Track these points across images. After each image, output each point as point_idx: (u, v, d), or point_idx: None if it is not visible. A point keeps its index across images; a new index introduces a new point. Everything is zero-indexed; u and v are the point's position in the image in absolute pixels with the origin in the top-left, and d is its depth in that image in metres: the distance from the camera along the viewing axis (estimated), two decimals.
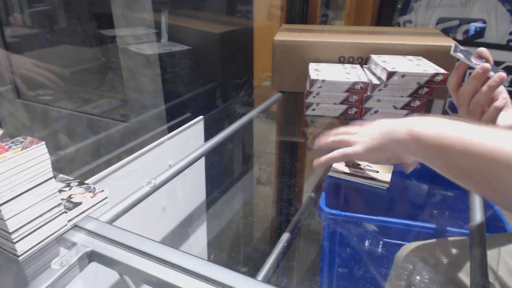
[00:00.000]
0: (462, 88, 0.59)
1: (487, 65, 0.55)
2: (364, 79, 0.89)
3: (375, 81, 0.88)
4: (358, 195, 0.85)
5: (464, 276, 0.57)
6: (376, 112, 0.92)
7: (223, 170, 1.24)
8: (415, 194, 0.93)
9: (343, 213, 0.72)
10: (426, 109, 0.92)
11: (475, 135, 0.40)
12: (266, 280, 0.84)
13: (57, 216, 0.42)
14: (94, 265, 0.42)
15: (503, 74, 0.55)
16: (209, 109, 1.32)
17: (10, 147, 0.37)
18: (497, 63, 1.70)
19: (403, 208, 0.91)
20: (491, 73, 0.55)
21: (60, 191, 0.47)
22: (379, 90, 0.88)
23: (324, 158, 0.64)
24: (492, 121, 0.57)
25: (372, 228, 0.71)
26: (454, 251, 0.62)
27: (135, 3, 1.14)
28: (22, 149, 0.37)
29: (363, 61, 1.02)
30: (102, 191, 0.48)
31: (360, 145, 0.57)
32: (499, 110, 0.57)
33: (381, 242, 0.72)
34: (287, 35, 1.05)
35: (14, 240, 0.38)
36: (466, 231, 0.64)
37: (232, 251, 1.22)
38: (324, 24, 1.96)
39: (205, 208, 1.04)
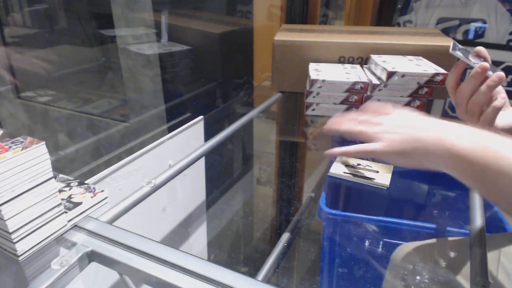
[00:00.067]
0: (460, 88, 0.58)
1: (486, 64, 0.54)
2: (364, 79, 0.89)
3: (375, 81, 0.88)
4: (358, 195, 0.85)
5: (462, 276, 0.57)
6: None
7: (223, 170, 1.24)
8: (415, 194, 0.93)
9: (343, 213, 0.72)
10: (426, 109, 0.92)
11: None
12: (266, 280, 0.84)
13: (57, 216, 0.42)
14: (94, 265, 0.42)
15: (501, 73, 0.54)
16: (209, 109, 1.32)
17: (10, 147, 0.37)
18: (497, 63, 1.70)
19: (403, 208, 0.91)
20: (490, 73, 0.55)
21: (60, 191, 0.47)
22: (379, 90, 0.88)
23: (339, 150, 0.55)
24: (491, 121, 0.57)
25: (372, 228, 0.71)
26: (450, 251, 0.62)
27: (135, 3, 1.14)
28: (22, 149, 0.37)
29: (363, 61, 1.02)
30: (102, 191, 0.48)
31: (384, 143, 0.49)
32: (498, 110, 0.56)
33: (381, 242, 0.72)
34: (287, 35, 1.05)
35: (14, 240, 0.38)
36: (466, 231, 0.65)
37: (232, 251, 1.22)
38: (324, 24, 1.96)
39: (205, 208, 1.04)
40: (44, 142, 0.38)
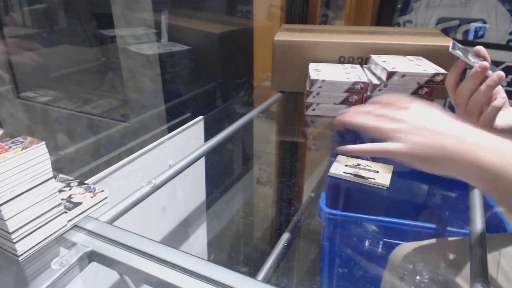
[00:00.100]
0: (460, 87, 0.58)
1: (486, 64, 0.54)
2: (364, 79, 0.89)
3: (375, 81, 0.88)
4: (358, 195, 0.85)
5: (460, 276, 0.57)
6: None
7: (223, 170, 1.24)
8: (415, 194, 0.93)
9: (343, 213, 0.72)
10: None
11: None
12: (266, 280, 0.84)
13: (57, 216, 0.42)
14: (94, 265, 0.42)
15: (501, 73, 0.54)
16: (209, 109, 1.32)
17: (10, 147, 0.37)
18: (497, 63, 1.70)
19: (403, 208, 0.91)
20: (489, 72, 0.55)
21: (60, 191, 0.47)
22: (379, 90, 0.88)
23: (356, 148, 0.50)
24: (491, 121, 0.56)
25: (372, 228, 0.71)
26: (448, 251, 0.62)
27: (135, 3, 1.14)
28: (22, 149, 0.37)
29: (363, 61, 1.02)
30: (102, 191, 0.48)
31: (404, 146, 0.44)
32: (498, 109, 0.56)
33: (381, 242, 0.72)
34: (287, 35, 1.05)
35: (14, 240, 0.38)
36: (466, 231, 0.64)
37: (232, 251, 1.22)
38: (324, 24, 1.96)
39: (205, 208, 1.04)
40: (44, 142, 0.38)
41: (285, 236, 0.92)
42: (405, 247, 0.66)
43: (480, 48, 0.57)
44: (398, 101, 0.49)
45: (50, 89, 1.37)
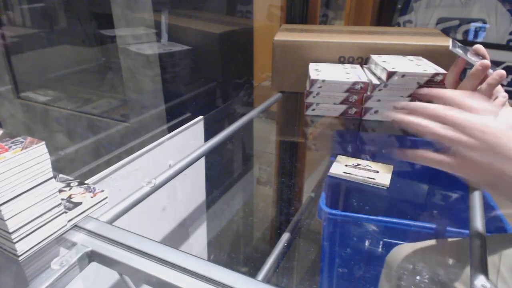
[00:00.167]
0: (460, 86, 0.57)
1: (487, 62, 0.53)
2: (364, 79, 0.89)
3: (375, 81, 0.88)
4: (358, 195, 0.85)
5: (457, 277, 0.57)
6: (376, 112, 0.92)
7: (223, 170, 1.24)
8: (415, 194, 0.93)
9: (343, 213, 0.72)
10: None
11: None
12: (266, 280, 0.84)
13: (57, 216, 0.42)
14: (94, 265, 0.42)
15: (503, 71, 0.53)
16: (209, 109, 1.32)
17: (10, 147, 0.37)
18: (497, 63, 1.70)
19: (403, 208, 0.91)
20: (490, 71, 0.54)
21: (60, 191, 0.47)
22: (379, 90, 0.88)
23: (429, 156, 0.43)
24: None
25: (372, 228, 0.71)
26: (445, 253, 0.62)
27: (135, 3, 1.14)
28: (22, 149, 0.37)
29: (363, 61, 1.02)
30: (102, 191, 0.48)
31: (474, 172, 0.40)
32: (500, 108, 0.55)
33: (381, 242, 0.72)
34: (287, 35, 1.05)
35: (14, 240, 0.38)
36: (466, 231, 0.64)
37: (232, 251, 1.22)
38: (324, 24, 1.96)
39: (205, 208, 1.04)
40: (44, 142, 0.38)
41: (285, 236, 0.92)
42: (402, 248, 0.66)
43: (479, 46, 0.56)
44: (466, 102, 0.42)
45: (50, 89, 1.37)
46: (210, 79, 1.41)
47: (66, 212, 0.43)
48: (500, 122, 0.40)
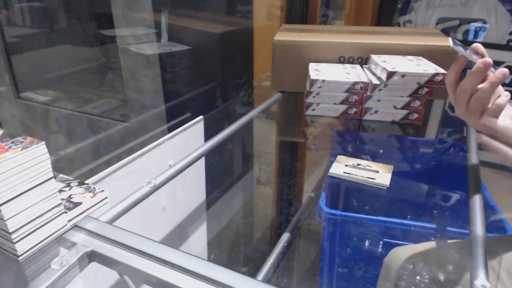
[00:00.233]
0: (461, 85, 0.56)
1: (489, 60, 0.52)
2: (364, 79, 0.89)
3: (375, 81, 0.88)
4: (358, 195, 0.85)
5: (455, 279, 0.56)
6: (376, 112, 0.92)
7: (223, 170, 1.24)
8: (415, 194, 0.93)
9: (343, 213, 0.72)
10: (426, 109, 0.92)
11: None
12: (266, 280, 0.84)
13: (57, 216, 0.42)
14: (94, 265, 0.42)
15: (505, 69, 0.52)
16: (209, 109, 1.32)
17: (10, 147, 0.37)
18: (497, 63, 1.70)
19: (403, 208, 0.91)
20: (492, 69, 0.54)
21: (60, 191, 0.47)
22: (379, 90, 0.88)
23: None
24: (494, 119, 0.54)
25: (372, 228, 0.71)
26: (443, 254, 0.61)
27: (135, 3, 1.14)
28: (22, 149, 0.37)
29: (363, 61, 1.02)
30: (102, 191, 0.48)
31: None
32: (502, 107, 0.54)
33: (381, 242, 0.72)
34: (287, 35, 1.05)
35: (14, 240, 0.38)
36: (466, 231, 0.64)
37: (232, 251, 1.22)
38: (324, 24, 1.96)
39: (205, 208, 1.04)
40: (44, 142, 0.38)
41: (285, 236, 0.92)
42: (400, 251, 0.66)
43: (478, 45, 0.55)
44: None
45: (50, 89, 1.37)
46: (210, 79, 1.41)
47: (66, 212, 0.43)
48: None
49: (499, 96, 0.54)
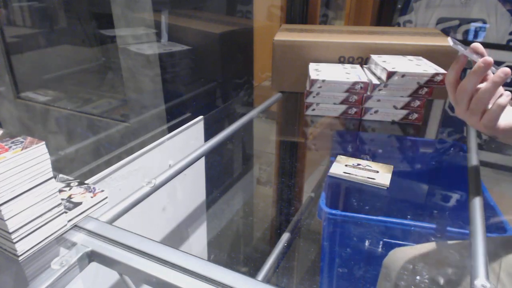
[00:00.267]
0: (461, 84, 0.55)
1: (490, 59, 0.51)
2: (364, 79, 0.89)
3: (375, 81, 0.88)
4: (358, 195, 0.85)
5: (454, 280, 0.56)
6: (376, 112, 0.92)
7: (223, 170, 1.24)
8: (415, 194, 0.93)
9: (343, 213, 0.72)
10: (426, 109, 0.92)
11: None
12: (266, 280, 0.84)
13: (57, 216, 0.42)
14: (94, 265, 0.42)
15: (507, 69, 0.51)
16: (209, 109, 1.32)
17: (10, 147, 0.37)
18: (497, 63, 1.70)
19: (403, 208, 0.91)
20: (493, 69, 0.53)
21: (60, 191, 0.47)
22: (379, 90, 0.88)
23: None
24: (495, 119, 0.54)
25: (372, 228, 0.71)
26: (442, 255, 0.61)
27: (135, 3, 1.14)
28: (22, 149, 0.37)
29: (363, 61, 1.02)
30: (102, 191, 0.48)
31: None
32: (503, 107, 0.53)
33: (381, 242, 0.72)
34: (287, 35, 1.05)
35: (14, 240, 0.38)
36: (466, 231, 0.64)
37: (232, 251, 1.22)
38: (324, 24, 1.96)
39: (205, 208, 1.04)
40: (44, 142, 0.38)
41: (285, 236, 0.92)
42: (400, 251, 0.66)
43: (477, 45, 0.55)
44: None
45: (50, 89, 1.37)
46: (210, 79, 1.41)
47: (66, 212, 0.43)
48: None
49: (499, 96, 0.53)
